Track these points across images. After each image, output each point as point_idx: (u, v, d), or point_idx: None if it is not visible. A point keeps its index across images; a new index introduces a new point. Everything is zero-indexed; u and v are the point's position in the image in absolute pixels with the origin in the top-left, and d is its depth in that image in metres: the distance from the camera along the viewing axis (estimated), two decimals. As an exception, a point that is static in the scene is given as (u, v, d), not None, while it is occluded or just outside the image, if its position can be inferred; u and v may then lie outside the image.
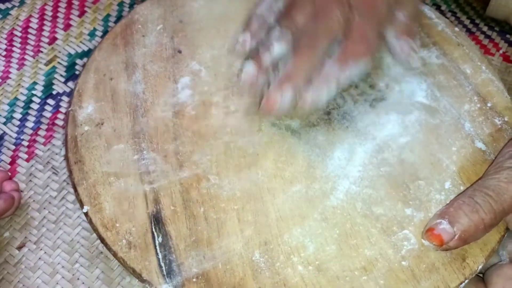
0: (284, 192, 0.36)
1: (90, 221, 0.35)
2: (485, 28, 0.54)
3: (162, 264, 0.34)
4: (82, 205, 0.36)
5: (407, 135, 0.39)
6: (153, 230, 0.35)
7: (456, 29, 0.45)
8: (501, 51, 0.52)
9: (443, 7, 0.55)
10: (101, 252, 0.40)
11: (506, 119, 0.40)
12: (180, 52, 0.43)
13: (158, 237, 0.34)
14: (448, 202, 0.35)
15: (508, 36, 0.53)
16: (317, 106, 0.35)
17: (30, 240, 0.41)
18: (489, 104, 0.41)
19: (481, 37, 0.53)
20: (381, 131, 0.39)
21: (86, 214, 0.36)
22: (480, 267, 0.34)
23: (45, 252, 0.40)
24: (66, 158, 0.38)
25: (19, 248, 0.40)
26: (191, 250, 0.34)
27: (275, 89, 0.34)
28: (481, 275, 0.36)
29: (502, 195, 0.33)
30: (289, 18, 0.36)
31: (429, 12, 0.46)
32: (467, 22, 0.54)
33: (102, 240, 0.35)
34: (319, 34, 0.34)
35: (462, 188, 0.37)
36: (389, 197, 0.36)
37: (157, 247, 0.34)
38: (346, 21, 0.34)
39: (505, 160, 0.35)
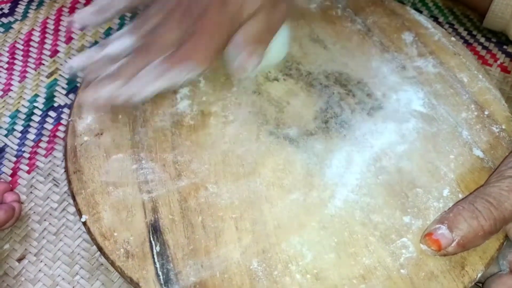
0: (282, 200, 0.36)
1: (88, 231, 0.36)
2: (482, 40, 0.54)
3: (160, 273, 0.33)
4: (80, 215, 0.36)
5: (405, 143, 0.39)
6: (151, 239, 0.35)
7: (453, 38, 0.45)
8: (498, 62, 0.52)
9: (441, 19, 0.55)
10: (102, 264, 0.40)
11: (503, 126, 0.40)
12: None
13: (156, 246, 0.34)
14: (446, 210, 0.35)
15: (505, 47, 0.53)
16: (136, 100, 0.37)
17: (30, 252, 0.41)
18: (486, 112, 0.41)
19: (479, 48, 0.53)
20: (378, 139, 0.39)
21: (84, 223, 0.36)
22: (479, 275, 0.34)
23: (45, 264, 0.40)
24: (66, 168, 0.38)
25: (19, 260, 0.40)
26: (189, 259, 0.34)
27: (103, 80, 0.37)
28: (480, 284, 0.36)
29: (503, 203, 0.33)
30: (142, 22, 0.39)
31: (426, 22, 0.46)
32: (464, 33, 0.54)
33: (100, 249, 0.35)
34: (152, 49, 0.38)
35: (460, 196, 0.36)
36: (387, 205, 0.36)
37: (155, 256, 0.34)
38: (181, 37, 0.38)
39: (508, 169, 0.35)
